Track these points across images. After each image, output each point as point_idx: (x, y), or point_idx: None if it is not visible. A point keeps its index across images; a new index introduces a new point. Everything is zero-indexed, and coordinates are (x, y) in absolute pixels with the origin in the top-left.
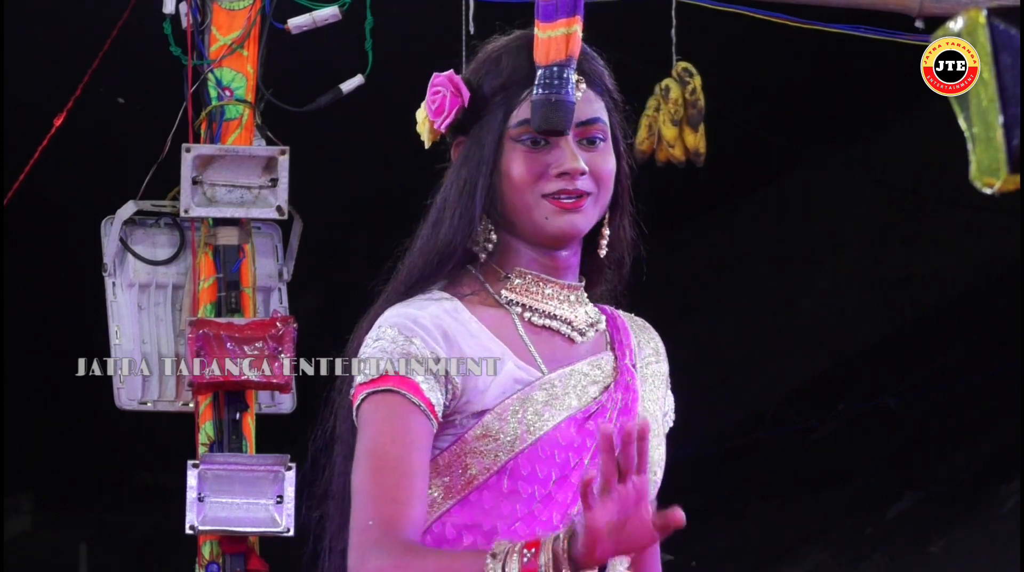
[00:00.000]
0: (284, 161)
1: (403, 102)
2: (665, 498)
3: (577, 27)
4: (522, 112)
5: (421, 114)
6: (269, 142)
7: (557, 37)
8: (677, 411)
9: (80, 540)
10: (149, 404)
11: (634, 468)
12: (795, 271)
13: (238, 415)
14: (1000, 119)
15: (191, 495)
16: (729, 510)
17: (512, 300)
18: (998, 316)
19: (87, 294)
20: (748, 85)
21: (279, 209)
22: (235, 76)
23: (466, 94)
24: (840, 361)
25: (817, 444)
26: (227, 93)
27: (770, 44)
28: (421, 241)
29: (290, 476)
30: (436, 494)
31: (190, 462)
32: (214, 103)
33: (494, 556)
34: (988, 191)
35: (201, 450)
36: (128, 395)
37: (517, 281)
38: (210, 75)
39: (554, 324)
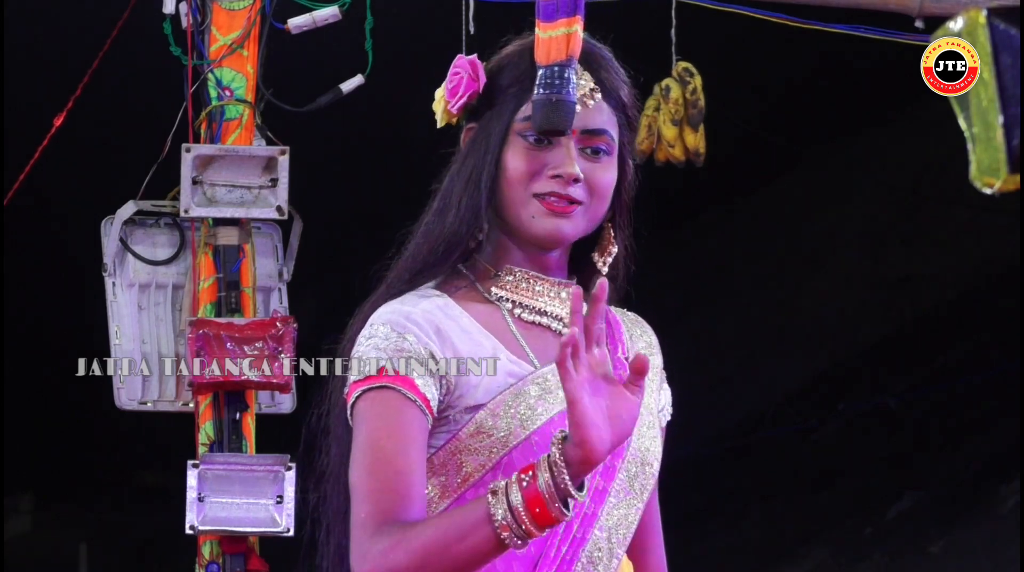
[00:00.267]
0: (284, 161)
1: (403, 102)
2: (665, 498)
3: (578, 27)
4: (531, 107)
5: (439, 92)
6: (269, 142)
7: (558, 37)
8: (676, 408)
9: (80, 540)
10: (149, 404)
11: (602, 333)
12: (795, 271)
13: (238, 415)
14: (1000, 119)
15: (191, 495)
16: (729, 510)
17: (502, 297)
18: (998, 316)
19: (87, 294)
20: (748, 85)
21: (279, 209)
22: (235, 76)
23: (483, 80)
24: (840, 361)
25: (817, 444)
26: (227, 93)
27: (770, 44)
28: (426, 228)
29: (290, 476)
30: (432, 493)
31: (190, 462)
32: (214, 103)
33: (494, 493)
34: (988, 191)
35: (201, 450)
36: (128, 395)
37: (507, 278)
38: (210, 75)
39: (544, 320)
